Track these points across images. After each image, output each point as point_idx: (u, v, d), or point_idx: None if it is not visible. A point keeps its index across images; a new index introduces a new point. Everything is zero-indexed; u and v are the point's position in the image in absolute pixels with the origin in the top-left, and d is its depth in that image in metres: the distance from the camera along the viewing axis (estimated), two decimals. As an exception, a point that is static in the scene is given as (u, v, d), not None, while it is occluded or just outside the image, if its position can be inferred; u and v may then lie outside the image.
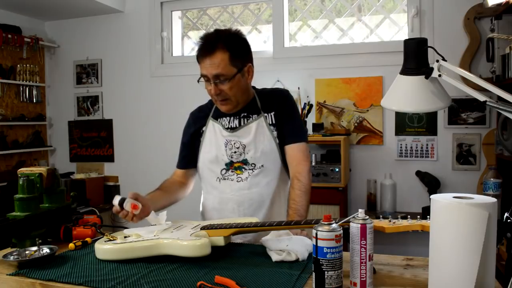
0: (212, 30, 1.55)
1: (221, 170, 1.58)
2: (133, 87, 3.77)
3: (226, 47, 1.46)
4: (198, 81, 1.54)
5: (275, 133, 1.57)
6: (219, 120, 1.61)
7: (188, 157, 1.68)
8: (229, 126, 1.59)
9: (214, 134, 1.61)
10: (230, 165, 1.57)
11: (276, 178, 1.59)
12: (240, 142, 1.55)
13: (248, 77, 1.55)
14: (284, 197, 1.63)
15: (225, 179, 1.58)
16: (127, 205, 1.35)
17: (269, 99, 1.61)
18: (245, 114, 1.59)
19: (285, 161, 1.58)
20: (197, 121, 1.67)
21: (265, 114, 1.58)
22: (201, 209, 1.71)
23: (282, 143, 1.57)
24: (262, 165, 1.55)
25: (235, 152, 1.56)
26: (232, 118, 1.59)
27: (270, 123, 1.58)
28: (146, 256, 1.21)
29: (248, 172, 1.56)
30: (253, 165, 1.56)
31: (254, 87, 1.67)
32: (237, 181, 1.56)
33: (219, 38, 1.48)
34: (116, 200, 1.40)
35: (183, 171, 1.71)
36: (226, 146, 1.57)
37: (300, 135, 1.57)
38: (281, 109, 1.58)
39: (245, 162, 1.56)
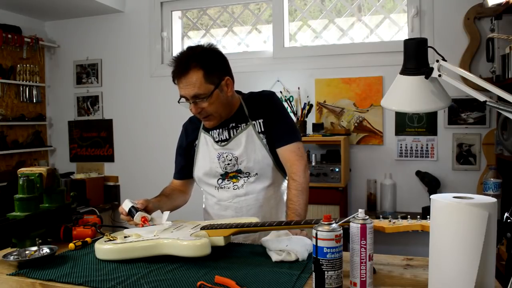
0: (184, 49, 1.50)
1: (218, 180, 1.60)
2: (133, 87, 3.77)
3: (199, 65, 1.43)
4: (178, 101, 1.52)
5: (264, 140, 1.56)
6: (210, 133, 1.61)
7: (185, 168, 1.69)
8: (220, 139, 1.59)
9: (206, 147, 1.61)
10: (225, 175, 1.59)
11: (272, 183, 1.60)
12: (232, 155, 1.55)
13: (227, 90, 1.51)
14: (281, 200, 1.64)
15: (222, 187, 1.60)
16: (138, 218, 1.40)
17: (257, 105, 1.59)
18: (234, 124, 1.58)
19: (278, 164, 1.58)
20: (189, 133, 1.68)
21: (254, 122, 1.57)
22: (203, 208, 1.72)
23: (272, 147, 1.56)
24: (256, 173, 1.56)
25: (228, 164, 1.56)
26: (221, 130, 1.59)
27: (259, 131, 1.57)
28: (146, 256, 1.21)
29: (244, 180, 1.57)
30: (247, 173, 1.57)
31: (240, 92, 1.65)
32: (233, 189, 1.58)
33: (191, 57, 1.44)
34: (126, 206, 1.44)
35: (181, 181, 1.73)
36: (219, 159, 1.57)
37: (290, 136, 1.55)
38: (269, 115, 1.57)
39: (239, 171, 1.57)
